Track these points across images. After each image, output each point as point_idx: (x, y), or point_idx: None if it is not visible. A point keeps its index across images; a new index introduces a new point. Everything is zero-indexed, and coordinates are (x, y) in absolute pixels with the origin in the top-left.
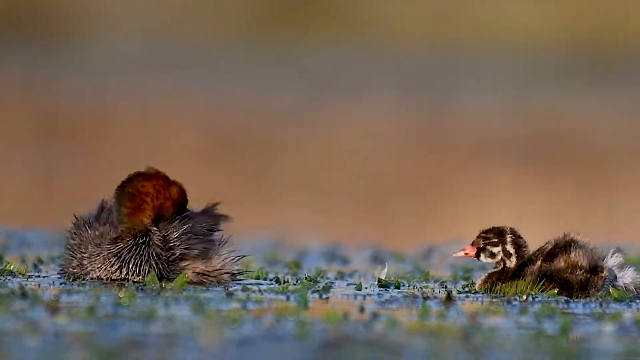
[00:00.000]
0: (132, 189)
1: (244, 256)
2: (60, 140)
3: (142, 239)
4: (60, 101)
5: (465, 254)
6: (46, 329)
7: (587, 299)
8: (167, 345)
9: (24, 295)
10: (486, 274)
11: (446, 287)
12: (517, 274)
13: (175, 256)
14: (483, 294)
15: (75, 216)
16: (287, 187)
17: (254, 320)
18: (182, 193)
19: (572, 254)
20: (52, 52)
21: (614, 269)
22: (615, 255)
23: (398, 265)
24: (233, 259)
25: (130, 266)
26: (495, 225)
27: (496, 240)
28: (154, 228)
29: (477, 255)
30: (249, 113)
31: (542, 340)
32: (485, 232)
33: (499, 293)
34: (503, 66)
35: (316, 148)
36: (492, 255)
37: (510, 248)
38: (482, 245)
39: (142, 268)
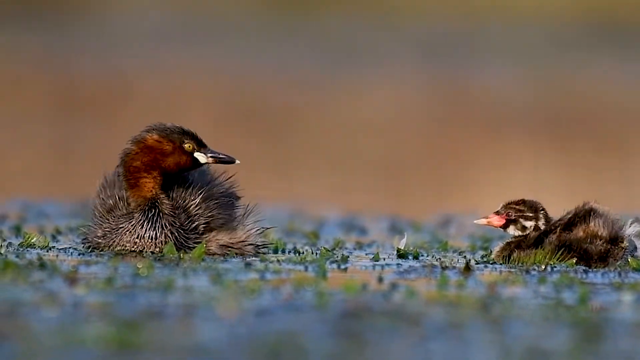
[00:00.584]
0: (123, 170)
1: (268, 228)
2: (78, 112)
3: (151, 212)
4: (78, 74)
5: (488, 222)
6: (65, 300)
7: (606, 269)
8: (186, 316)
9: (42, 266)
10: (504, 243)
11: (465, 257)
12: (536, 243)
13: (195, 225)
14: (501, 264)
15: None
16: (305, 157)
17: (272, 290)
18: (162, 140)
19: (592, 224)
20: (70, 25)
21: (633, 238)
22: (634, 224)
23: (416, 235)
24: (258, 230)
25: (146, 240)
26: (525, 199)
27: (531, 214)
28: (162, 197)
29: (506, 226)
30: (268, 84)
31: (561, 310)
32: (516, 203)
33: (517, 262)
34: (522, 37)
35: (335, 118)
36: (524, 228)
37: (541, 224)
38: (513, 217)
39: (157, 241)
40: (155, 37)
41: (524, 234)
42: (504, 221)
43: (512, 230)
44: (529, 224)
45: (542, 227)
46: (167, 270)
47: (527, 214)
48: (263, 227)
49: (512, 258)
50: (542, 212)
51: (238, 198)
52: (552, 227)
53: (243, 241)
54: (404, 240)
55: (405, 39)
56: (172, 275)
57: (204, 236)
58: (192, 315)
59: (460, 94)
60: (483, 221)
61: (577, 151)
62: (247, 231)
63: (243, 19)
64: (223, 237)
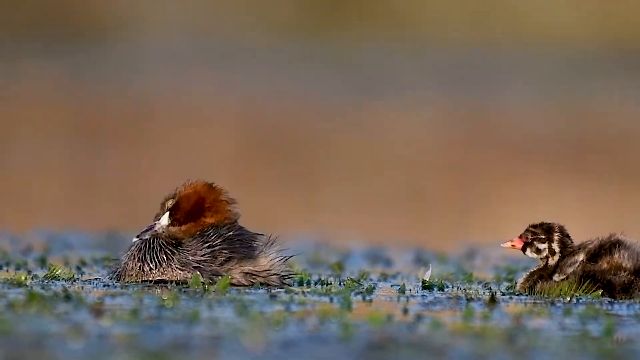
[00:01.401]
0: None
1: (291, 256)
2: (102, 139)
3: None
4: (101, 100)
5: (512, 245)
6: (90, 332)
7: (631, 300)
8: (211, 348)
9: (67, 297)
10: (527, 274)
11: (490, 288)
12: (555, 270)
13: (216, 255)
14: (526, 295)
15: None
16: (328, 186)
17: (297, 322)
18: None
19: (616, 255)
20: (94, 51)
21: None
22: None
23: (441, 267)
24: (281, 259)
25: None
26: (545, 221)
27: (544, 236)
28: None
29: (524, 249)
30: (292, 110)
31: (587, 341)
32: (534, 226)
33: (541, 293)
34: (543, 64)
35: (358, 146)
36: (538, 251)
37: (555, 246)
38: (529, 240)
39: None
40: (179, 62)
41: (541, 257)
42: (522, 244)
43: (529, 253)
44: (543, 246)
45: (557, 250)
46: (192, 301)
47: (541, 236)
48: (286, 256)
49: (536, 289)
50: (557, 234)
51: (257, 238)
52: (572, 253)
53: (268, 270)
54: (429, 272)
55: (428, 67)
56: (197, 307)
57: (227, 266)
58: (218, 346)
59: (482, 122)
60: (508, 244)
61: (600, 179)
62: (271, 260)
63: (268, 44)
64: (247, 266)
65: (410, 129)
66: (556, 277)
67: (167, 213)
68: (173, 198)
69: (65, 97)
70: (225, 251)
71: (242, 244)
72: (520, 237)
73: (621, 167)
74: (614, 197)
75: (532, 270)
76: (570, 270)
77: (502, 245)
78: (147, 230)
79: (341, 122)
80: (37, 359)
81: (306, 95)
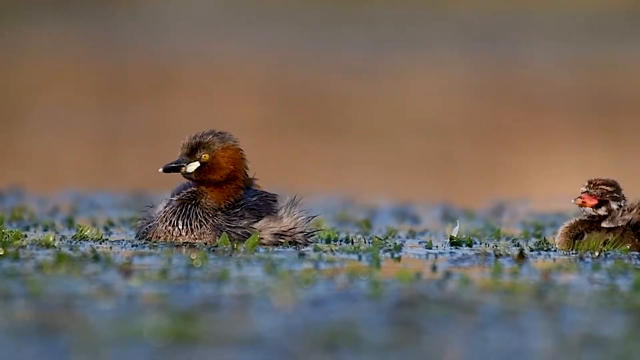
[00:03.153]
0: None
1: (315, 216)
2: (126, 102)
3: (191, 202)
4: (125, 63)
5: (583, 202)
6: (119, 292)
7: None
8: (241, 307)
9: (96, 258)
10: (568, 225)
11: (518, 244)
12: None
13: (239, 215)
14: (559, 250)
15: None
16: (354, 145)
17: (326, 280)
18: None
19: None
20: (116, 15)
21: None
22: None
23: (468, 223)
24: (305, 218)
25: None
26: (605, 178)
27: (618, 195)
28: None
29: (597, 207)
30: (314, 72)
31: (616, 296)
32: (606, 184)
33: (587, 245)
34: (567, 21)
35: (383, 105)
36: (610, 210)
37: (622, 204)
38: (606, 198)
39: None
40: (201, 25)
41: (602, 214)
42: (597, 201)
43: (603, 211)
44: (615, 205)
45: (625, 205)
46: (220, 261)
47: (615, 194)
48: (310, 216)
49: (582, 241)
50: (622, 190)
51: (275, 199)
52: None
53: (293, 228)
54: (456, 228)
55: (452, 25)
56: (226, 266)
57: (254, 226)
58: (248, 306)
59: (507, 79)
60: (579, 201)
61: (624, 135)
62: (295, 219)
63: (289, 6)
64: (274, 226)
65: (434, 87)
66: (605, 224)
67: (197, 164)
68: (208, 152)
69: (88, 61)
70: (253, 213)
71: (267, 207)
72: (590, 194)
73: None
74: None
75: (573, 222)
76: (620, 223)
77: (572, 201)
78: (173, 168)
79: (365, 82)
80: (67, 320)
81: (329, 57)
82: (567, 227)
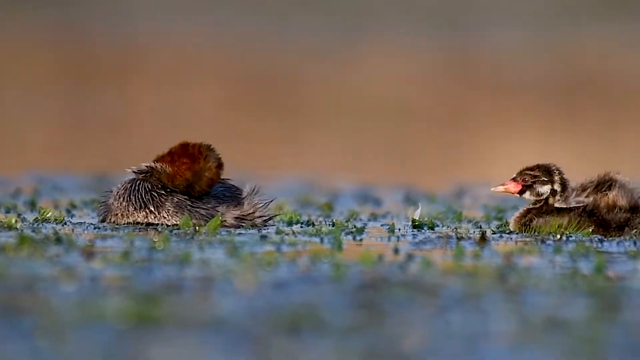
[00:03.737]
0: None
1: (271, 200)
2: (91, 84)
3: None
4: (90, 46)
5: (505, 189)
6: (82, 274)
7: (622, 238)
8: (204, 289)
9: (58, 240)
10: (523, 210)
11: (480, 227)
12: (557, 210)
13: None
14: (517, 233)
15: None
16: (315, 128)
17: (288, 263)
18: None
19: (612, 194)
20: None
21: None
22: None
23: (430, 206)
24: (263, 204)
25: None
26: (540, 163)
27: (546, 179)
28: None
29: (522, 192)
30: (278, 55)
31: (578, 279)
32: (531, 169)
33: (537, 230)
34: (530, 4)
35: (345, 89)
36: (539, 194)
37: (557, 187)
38: (529, 183)
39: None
40: (165, 8)
41: (540, 199)
42: (520, 187)
43: (528, 196)
44: (545, 188)
45: (558, 190)
46: (183, 243)
47: (543, 178)
48: (267, 201)
49: (531, 226)
50: (557, 174)
51: (238, 188)
52: (572, 193)
53: (252, 213)
54: (418, 211)
55: (414, 8)
56: (188, 249)
57: (218, 209)
58: (210, 288)
59: (469, 62)
60: (500, 188)
61: (585, 117)
62: (254, 205)
63: None
64: (236, 210)
65: (396, 70)
66: (558, 204)
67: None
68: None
69: (53, 43)
70: (215, 199)
71: (230, 194)
72: (515, 180)
73: (608, 107)
74: (602, 137)
75: (527, 208)
76: (573, 204)
77: (492, 189)
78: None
79: (327, 65)
80: (30, 302)
81: (292, 38)
82: (519, 214)
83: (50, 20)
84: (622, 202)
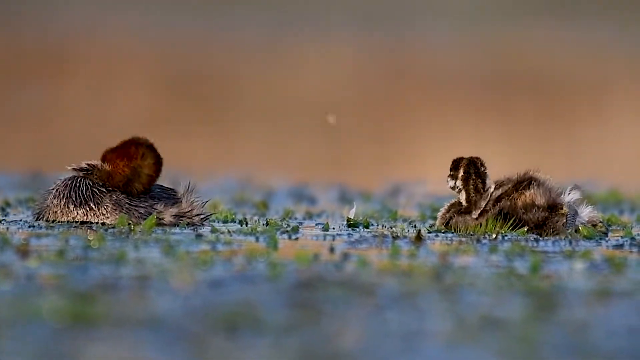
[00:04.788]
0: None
1: (207, 200)
2: (20, 80)
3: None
4: (18, 41)
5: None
6: (17, 273)
7: (557, 237)
8: (140, 288)
9: None
10: (444, 209)
11: (415, 226)
12: (469, 208)
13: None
14: (446, 232)
15: None
16: (247, 125)
17: (224, 261)
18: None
19: (529, 192)
20: None
21: (573, 205)
22: (573, 191)
23: (365, 205)
24: (200, 202)
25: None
26: (461, 157)
27: (452, 173)
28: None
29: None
30: (208, 51)
31: (513, 278)
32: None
33: (456, 228)
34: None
35: (276, 86)
36: (452, 188)
37: (459, 183)
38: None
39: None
40: (96, 2)
41: (456, 192)
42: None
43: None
44: (450, 183)
45: (459, 186)
46: (118, 242)
47: (451, 172)
48: (203, 200)
49: (451, 223)
50: (462, 170)
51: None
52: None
53: (190, 211)
54: (353, 210)
55: (348, 4)
56: (123, 247)
57: (155, 207)
58: (146, 287)
59: (402, 58)
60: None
61: (518, 114)
62: (191, 203)
63: None
64: (173, 209)
65: (329, 67)
66: (473, 214)
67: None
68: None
69: None
70: (153, 198)
71: (167, 195)
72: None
73: (540, 104)
74: (533, 134)
75: (448, 205)
76: (483, 205)
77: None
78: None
79: (258, 63)
80: None
81: (222, 34)
82: (442, 212)
83: None
84: (540, 200)
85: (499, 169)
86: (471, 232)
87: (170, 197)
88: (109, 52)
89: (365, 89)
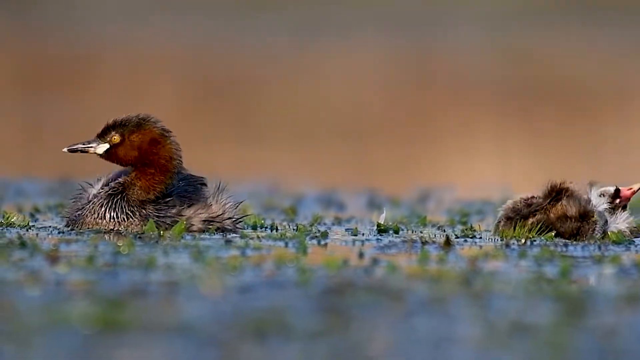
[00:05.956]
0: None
1: (241, 202)
2: (48, 88)
3: (118, 195)
4: (45, 50)
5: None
6: (47, 279)
7: (586, 242)
8: (169, 294)
9: (23, 245)
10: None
11: (444, 231)
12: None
13: (169, 204)
14: (479, 237)
15: None
16: (274, 131)
17: (253, 267)
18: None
19: (560, 204)
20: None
21: (603, 211)
22: (595, 190)
23: (395, 210)
24: (232, 204)
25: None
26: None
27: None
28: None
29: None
30: (236, 56)
31: (543, 283)
32: None
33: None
34: (489, 7)
35: (303, 90)
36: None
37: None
38: None
39: (119, 220)
40: (121, 11)
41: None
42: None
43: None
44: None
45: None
46: (147, 248)
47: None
48: (237, 202)
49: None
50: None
51: (204, 183)
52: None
53: (221, 215)
54: (383, 215)
55: (373, 10)
56: (153, 253)
57: (184, 214)
58: (176, 293)
59: (427, 63)
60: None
61: (544, 120)
62: (223, 205)
63: None
64: (203, 213)
65: (355, 73)
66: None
67: (107, 146)
68: (120, 133)
69: (9, 43)
70: (182, 201)
71: (196, 192)
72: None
73: (566, 110)
74: (558, 140)
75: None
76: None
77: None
78: (78, 150)
79: (284, 68)
80: None
81: (249, 41)
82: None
83: (4, 25)
84: (572, 211)
85: (524, 176)
86: (530, 236)
87: (199, 195)
88: (135, 60)
89: (391, 94)
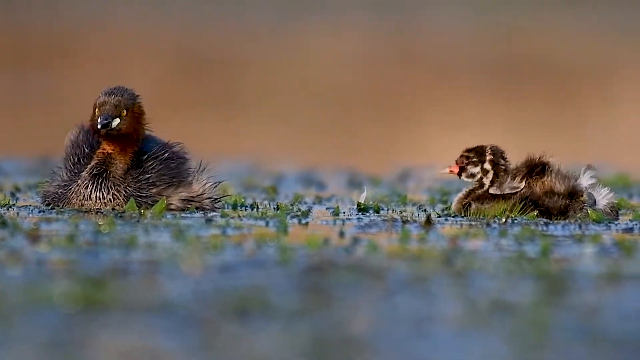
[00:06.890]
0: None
1: (221, 181)
2: (30, 66)
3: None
4: (28, 27)
5: (450, 171)
6: (28, 258)
7: (567, 221)
8: (150, 272)
9: (3, 224)
10: (461, 195)
11: (425, 210)
12: (493, 196)
13: (150, 182)
14: (461, 216)
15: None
16: (256, 110)
17: (234, 246)
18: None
19: (547, 179)
20: None
21: (590, 190)
22: (587, 172)
23: (375, 189)
24: (212, 184)
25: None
26: (480, 144)
27: (476, 159)
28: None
29: (459, 174)
30: (220, 34)
31: (524, 262)
32: (468, 150)
33: (476, 214)
34: None
35: (286, 69)
36: (472, 175)
37: (487, 165)
38: (464, 165)
39: (105, 200)
40: None
41: (474, 180)
42: (458, 169)
43: (464, 178)
44: (475, 169)
45: (489, 168)
46: (128, 227)
47: (474, 159)
48: (217, 181)
49: (471, 210)
50: (489, 154)
51: (187, 160)
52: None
53: (201, 194)
54: (364, 195)
55: None
56: (134, 232)
57: (164, 193)
58: (157, 272)
59: (410, 43)
60: (445, 170)
61: (526, 98)
62: (203, 185)
63: None
64: (182, 192)
65: (338, 52)
66: (492, 191)
67: (118, 120)
68: (126, 108)
69: None
70: (163, 180)
71: (179, 169)
72: (456, 162)
73: (548, 89)
74: (541, 118)
75: (466, 191)
76: (506, 190)
77: (438, 172)
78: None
79: (267, 47)
80: None
81: (231, 19)
82: (459, 198)
83: None
84: (560, 187)
85: (508, 153)
86: (492, 217)
87: (181, 173)
88: (117, 38)
89: (374, 74)
